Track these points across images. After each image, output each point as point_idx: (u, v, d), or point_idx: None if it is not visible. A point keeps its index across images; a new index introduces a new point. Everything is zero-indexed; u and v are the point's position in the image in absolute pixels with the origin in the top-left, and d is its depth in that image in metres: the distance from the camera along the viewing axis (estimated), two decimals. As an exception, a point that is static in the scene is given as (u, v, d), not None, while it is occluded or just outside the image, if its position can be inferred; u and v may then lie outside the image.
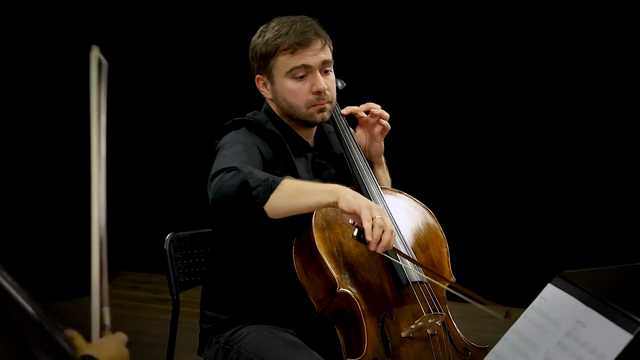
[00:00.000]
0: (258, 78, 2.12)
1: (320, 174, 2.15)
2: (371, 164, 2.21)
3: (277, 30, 2.04)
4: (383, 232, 1.74)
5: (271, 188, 1.76)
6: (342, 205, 1.75)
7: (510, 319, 1.80)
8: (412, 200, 2.19)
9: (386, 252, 1.88)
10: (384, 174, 2.27)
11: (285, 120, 2.12)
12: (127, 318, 4.19)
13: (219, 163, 1.87)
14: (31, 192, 4.46)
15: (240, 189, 1.75)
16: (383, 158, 2.28)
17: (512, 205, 4.41)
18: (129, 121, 4.84)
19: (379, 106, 2.22)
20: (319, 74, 2.05)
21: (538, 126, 4.33)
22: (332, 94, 2.10)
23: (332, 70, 2.11)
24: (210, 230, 2.32)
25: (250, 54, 2.13)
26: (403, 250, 1.99)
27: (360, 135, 2.25)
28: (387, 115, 2.21)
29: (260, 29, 2.12)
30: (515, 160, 4.39)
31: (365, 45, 4.23)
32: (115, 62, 5.15)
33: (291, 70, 2.03)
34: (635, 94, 4.14)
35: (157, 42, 4.73)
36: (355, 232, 1.76)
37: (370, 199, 2.04)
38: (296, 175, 2.06)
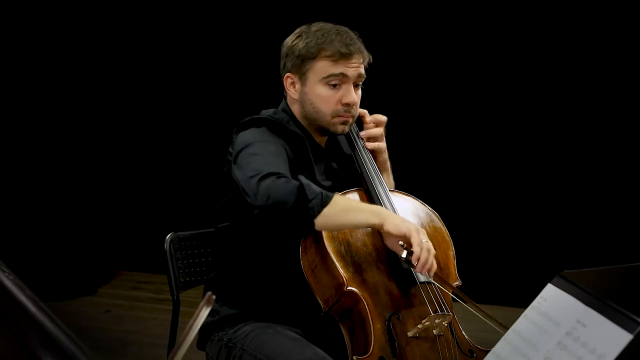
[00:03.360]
0: (288, 76, 2.12)
1: (332, 177, 2.17)
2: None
3: (321, 36, 2.05)
4: (429, 255, 1.84)
5: (325, 202, 1.82)
6: (390, 228, 1.83)
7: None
8: (419, 202, 2.19)
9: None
10: (388, 179, 2.28)
11: (304, 123, 2.13)
12: (127, 318, 4.19)
13: (258, 163, 1.90)
14: (32, 192, 4.46)
15: (296, 198, 1.80)
16: (389, 163, 2.29)
17: (512, 206, 4.42)
18: (130, 121, 4.85)
19: (365, 111, 2.23)
20: (351, 87, 2.07)
21: (538, 127, 4.33)
22: (357, 109, 2.12)
23: (361, 86, 2.13)
24: (212, 230, 2.32)
25: (284, 51, 2.12)
26: None
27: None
28: (382, 119, 2.23)
29: (300, 29, 2.12)
30: (516, 162, 4.39)
31: (371, 47, 4.22)
32: (116, 61, 5.19)
33: (328, 76, 2.05)
34: (635, 94, 4.14)
35: (158, 42, 4.73)
36: (405, 255, 1.84)
37: (379, 201, 2.07)
38: (314, 177, 2.09)
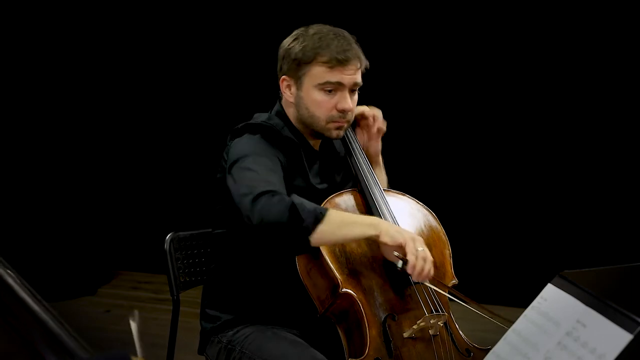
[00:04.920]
0: (284, 79, 2.10)
1: (327, 179, 2.16)
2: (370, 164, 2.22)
3: (318, 39, 2.03)
4: (425, 263, 1.84)
5: (318, 220, 1.80)
6: (386, 239, 1.83)
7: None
8: (414, 202, 2.19)
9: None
10: (381, 174, 2.28)
11: (299, 127, 2.12)
12: (127, 318, 4.19)
13: (251, 180, 1.88)
14: (32, 192, 4.46)
15: (289, 218, 1.79)
16: (380, 157, 2.29)
17: (512, 205, 4.42)
18: (130, 121, 4.85)
19: (366, 108, 2.23)
20: (347, 94, 2.05)
21: (538, 126, 4.33)
22: (353, 114, 2.11)
23: (357, 92, 2.11)
24: (210, 230, 2.32)
25: (281, 53, 2.11)
26: None
27: (359, 135, 2.26)
28: (378, 115, 2.23)
29: (297, 32, 2.10)
30: (515, 161, 4.39)
31: (368, 46, 4.23)
32: (117, 61, 5.18)
33: (324, 83, 2.03)
34: (635, 94, 4.14)
35: (158, 42, 4.73)
36: (400, 264, 1.85)
37: (374, 201, 2.06)
38: (308, 182, 2.09)
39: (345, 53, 2.02)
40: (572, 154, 4.29)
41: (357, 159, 2.15)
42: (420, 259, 1.82)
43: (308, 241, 1.81)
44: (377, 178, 2.15)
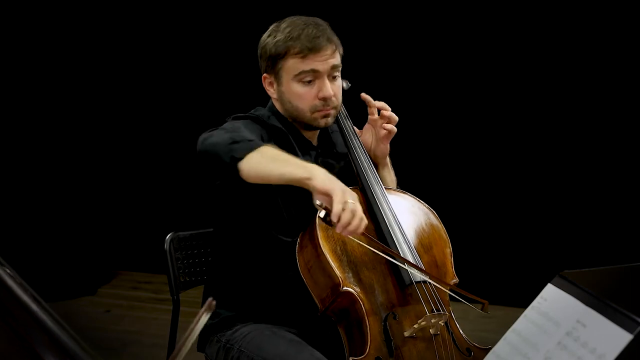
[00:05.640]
0: (265, 77, 2.12)
1: None
2: (376, 165, 2.20)
3: (288, 32, 2.03)
4: (353, 217, 1.73)
5: (251, 148, 1.79)
6: (316, 183, 1.74)
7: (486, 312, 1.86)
8: (416, 200, 2.19)
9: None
10: (389, 175, 2.26)
11: (290, 119, 2.12)
12: (127, 318, 4.19)
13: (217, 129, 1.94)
14: (32, 192, 4.46)
15: (224, 142, 1.81)
16: (388, 159, 2.26)
17: (512, 205, 4.41)
18: (129, 121, 4.85)
19: (389, 109, 2.21)
20: (326, 80, 2.04)
21: (538, 126, 4.33)
22: (338, 99, 2.09)
23: (339, 75, 2.10)
24: (211, 230, 2.32)
25: (259, 51, 2.12)
26: (407, 250, 2.00)
27: (365, 135, 2.24)
28: (395, 118, 2.20)
29: (272, 27, 2.11)
30: (516, 161, 4.39)
31: (370, 46, 4.24)
32: (116, 61, 5.17)
33: (299, 74, 2.03)
34: (635, 94, 4.14)
35: (159, 42, 4.73)
36: (322, 214, 1.74)
37: (375, 199, 2.05)
38: None
39: (315, 40, 2.01)
40: (571, 154, 4.29)
41: (358, 156, 2.13)
42: (348, 212, 1.71)
43: (237, 168, 1.79)
44: (378, 176, 2.14)
